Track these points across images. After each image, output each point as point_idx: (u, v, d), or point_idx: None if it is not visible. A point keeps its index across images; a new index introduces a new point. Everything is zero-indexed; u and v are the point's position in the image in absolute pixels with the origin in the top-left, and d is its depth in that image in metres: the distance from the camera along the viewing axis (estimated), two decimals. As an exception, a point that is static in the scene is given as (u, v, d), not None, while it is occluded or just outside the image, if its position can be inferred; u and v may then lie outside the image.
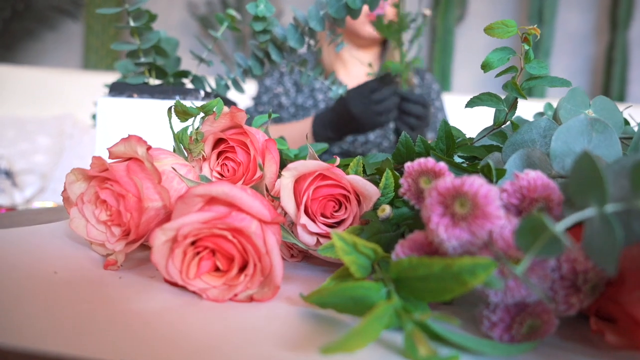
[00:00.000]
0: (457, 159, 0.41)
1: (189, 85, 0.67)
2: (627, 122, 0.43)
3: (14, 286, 0.28)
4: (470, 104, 0.40)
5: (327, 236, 0.36)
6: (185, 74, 0.66)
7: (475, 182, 0.23)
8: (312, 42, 0.64)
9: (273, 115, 0.48)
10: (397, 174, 0.37)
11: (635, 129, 0.43)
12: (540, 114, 0.59)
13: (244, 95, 1.00)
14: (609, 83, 2.44)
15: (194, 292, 0.30)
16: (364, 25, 1.15)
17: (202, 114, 0.41)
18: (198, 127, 0.41)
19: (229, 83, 0.68)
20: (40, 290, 0.28)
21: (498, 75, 0.40)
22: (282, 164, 0.47)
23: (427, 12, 0.85)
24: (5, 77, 1.91)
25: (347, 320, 0.27)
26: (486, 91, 0.40)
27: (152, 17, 0.61)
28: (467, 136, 0.44)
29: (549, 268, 0.23)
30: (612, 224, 0.20)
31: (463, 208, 0.23)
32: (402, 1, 0.80)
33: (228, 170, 0.42)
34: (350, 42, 1.21)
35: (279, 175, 0.36)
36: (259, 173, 0.41)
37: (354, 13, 0.59)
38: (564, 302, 0.24)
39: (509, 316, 0.24)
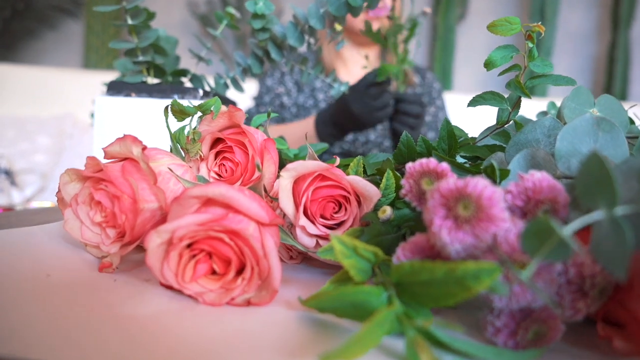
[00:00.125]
0: (460, 159, 0.40)
1: (187, 84, 0.67)
2: (631, 121, 0.42)
3: (3, 290, 0.28)
4: (473, 103, 0.39)
5: (326, 238, 0.35)
6: (184, 72, 0.65)
7: (479, 184, 0.23)
8: (312, 40, 0.63)
9: (272, 115, 0.47)
10: (398, 174, 0.36)
11: (641, 128, 0.42)
12: (543, 113, 0.59)
13: (244, 95, 0.99)
14: (611, 82, 2.43)
15: (190, 296, 0.29)
16: (363, 23, 1.14)
17: (199, 113, 0.40)
18: (195, 127, 0.40)
19: (228, 82, 0.67)
20: (32, 294, 0.27)
21: (501, 73, 0.39)
22: (282, 164, 0.46)
23: (427, 10, 0.84)
24: (5, 76, 1.90)
25: (347, 325, 0.26)
26: (487, 90, 0.39)
27: (151, 15, 0.60)
28: (469, 136, 0.43)
29: (555, 272, 0.23)
30: (622, 227, 0.19)
31: (466, 210, 0.22)
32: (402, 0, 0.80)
33: (226, 170, 0.41)
34: (350, 41, 1.20)
35: (278, 176, 0.35)
36: (257, 174, 0.40)
37: (355, 11, 0.59)
38: (570, 307, 0.23)
39: (514, 322, 0.24)
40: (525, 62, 0.37)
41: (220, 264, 0.29)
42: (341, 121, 0.91)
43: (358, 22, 1.14)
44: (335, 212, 0.36)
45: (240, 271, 0.29)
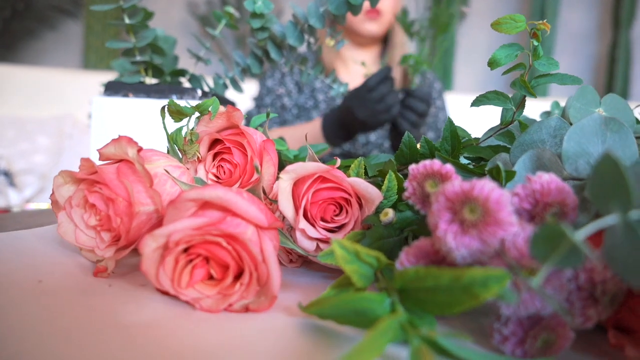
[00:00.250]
0: (463, 160, 0.39)
1: (186, 84, 0.66)
2: (637, 121, 0.42)
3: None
4: (476, 102, 0.38)
5: (327, 241, 0.34)
6: (182, 72, 0.65)
7: (486, 186, 0.22)
8: (312, 40, 0.62)
9: (272, 115, 0.47)
10: (401, 176, 0.35)
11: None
12: (547, 113, 0.58)
13: (244, 95, 0.99)
14: (612, 82, 2.42)
15: (186, 302, 0.28)
16: (363, 23, 1.14)
17: (197, 114, 0.39)
18: (193, 128, 0.40)
19: (227, 82, 0.67)
20: (22, 301, 0.27)
21: (505, 72, 0.38)
22: (281, 166, 0.45)
23: (466, 10, 0.87)
24: (5, 76, 1.90)
25: (348, 332, 0.25)
26: (487, 90, 0.39)
27: (148, 15, 0.59)
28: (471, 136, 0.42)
29: (565, 278, 0.22)
30: (638, 232, 0.18)
31: (473, 214, 0.22)
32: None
33: (224, 172, 0.40)
34: (350, 41, 1.19)
35: (277, 178, 0.34)
36: (256, 175, 0.39)
37: (355, 9, 0.58)
38: (581, 315, 0.22)
39: (522, 329, 0.23)
40: (530, 61, 0.36)
41: (218, 269, 0.28)
42: (348, 125, 0.91)
43: (357, 23, 1.14)
44: (336, 215, 0.35)
45: (238, 276, 0.28)
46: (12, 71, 1.92)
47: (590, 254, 0.18)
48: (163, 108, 0.37)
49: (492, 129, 0.41)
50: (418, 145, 0.39)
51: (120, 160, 0.34)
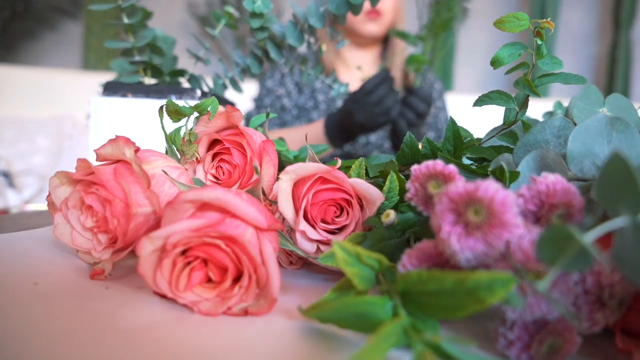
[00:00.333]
0: (466, 161, 0.39)
1: (185, 84, 0.65)
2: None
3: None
4: (479, 102, 0.38)
5: (327, 243, 0.34)
6: (181, 73, 0.64)
7: (491, 187, 0.21)
8: (312, 40, 0.62)
9: (271, 116, 0.46)
10: (402, 176, 0.35)
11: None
12: (550, 113, 0.57)
13: (243, 95, 0.98)
14: (612, 82, 2.42)
15: (184, 305, 0.27)
16: (364, 24, 1.13)
17: (196, 114, 0.39)
18: (192, 128, 0.39)
19: (227, 82, 0.66)
20: (17, 304, 0.26)
21: (509, 72, 0.37)
22: (281, 166, 0.45)
23: (467, 6, 0.88)
24: (5, 77, 1.90)
25: (349, 336, 0.25)
26: (488, 90, 0.38)
27: (147, 15, 0.59)
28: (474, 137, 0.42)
29: (572, 282, 0.21)
30: (648, 234, 0.17)
31: (477, 216, 0.21)
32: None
33: (223, 173, 0.40)
34: (351, 41, 1.19)
35: (277, 178, 0.34)
36: (255, 176, 0.38)
37: (355, 9, 0.57)
38: (588, 319, 0.22)
39: (528, 334, 0.22)
40: (534, 60, 0.36)
41: (216, 271, 0.27)
42: (348, 127, 0.91)
43: (358, 23, 1.13)
44: (337, 216, 0.34)
45: (237, 279, 0.28)
46: (12, 72, 1.92)
47: (599, 257, 0.18)
48: (161, 108, 0.37)
49: (494, 129, 0.41)
50: (420, 146, 0.38)
51: (118, 161, 0.33)
